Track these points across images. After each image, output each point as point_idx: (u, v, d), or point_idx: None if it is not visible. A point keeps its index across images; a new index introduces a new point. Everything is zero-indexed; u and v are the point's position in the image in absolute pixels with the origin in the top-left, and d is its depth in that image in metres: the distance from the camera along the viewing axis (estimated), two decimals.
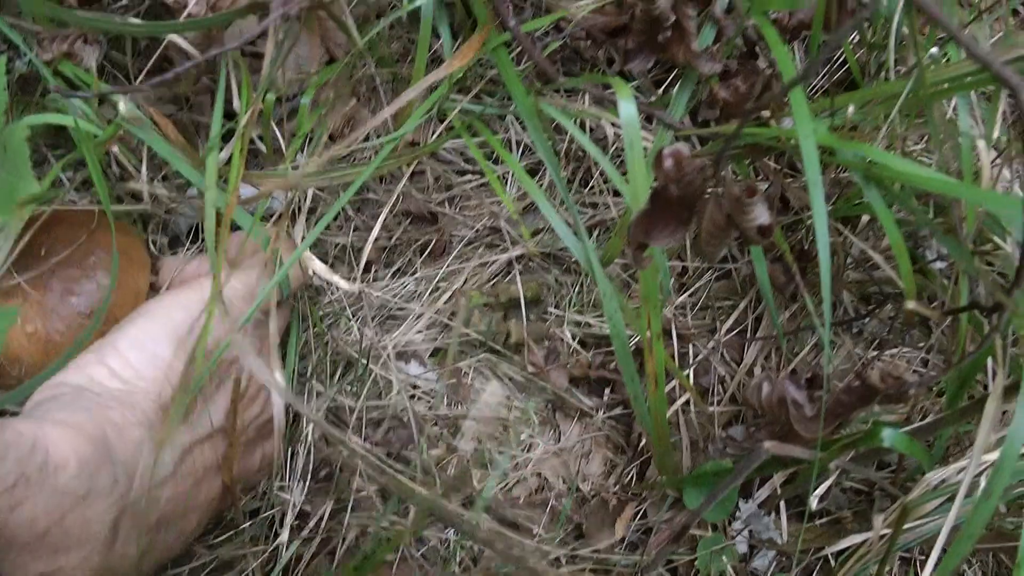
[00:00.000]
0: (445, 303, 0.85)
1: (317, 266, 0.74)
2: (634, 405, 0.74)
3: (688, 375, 0.85)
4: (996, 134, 0.73)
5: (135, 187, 0.76)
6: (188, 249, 0.81)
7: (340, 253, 0.85)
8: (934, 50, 0.73)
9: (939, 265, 0.82)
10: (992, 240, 0.76)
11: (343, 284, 0.73)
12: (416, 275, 0.86)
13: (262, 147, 0.80)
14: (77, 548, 0.54)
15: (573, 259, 0.82)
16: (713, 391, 0.85)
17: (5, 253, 0.65)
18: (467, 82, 0.84)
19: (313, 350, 0.82)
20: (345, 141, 0.71)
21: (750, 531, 0.81)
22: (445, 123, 0.82)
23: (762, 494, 0.81)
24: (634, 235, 0.54)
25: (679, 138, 0.81)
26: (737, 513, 0.81)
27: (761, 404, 0.71)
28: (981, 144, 0.69)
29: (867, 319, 0.86)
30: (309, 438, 0.78)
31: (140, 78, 0.79)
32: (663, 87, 0.87)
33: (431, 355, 0.85)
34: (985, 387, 0.80)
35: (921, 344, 0.88)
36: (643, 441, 0.83)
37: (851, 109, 0.70)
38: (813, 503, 0.74)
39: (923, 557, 0.81)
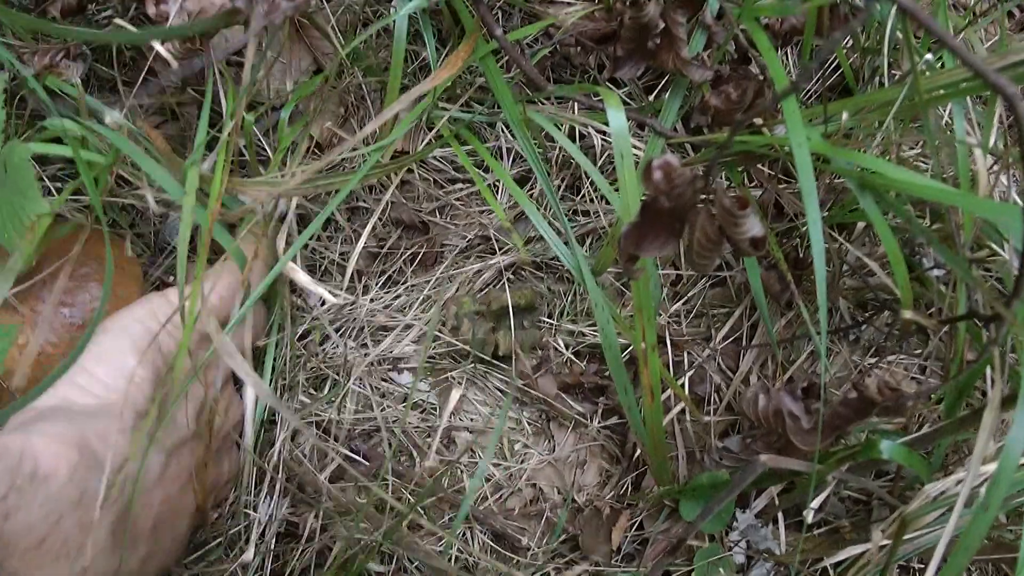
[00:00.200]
0: (436, 313, 0.84)
1: (300, 277, 0.72)
2: (628, 416, 0.73)
3: (683, 384, 0.84)
4: (993, 140, 0.72)
5: (127, 199, 0.75)
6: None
7: (331, 264, 0.84)
8: (928, 56, 0.72)
9: (936, 273, 0.81)
10: (990, 247, 0.75)
11: (327, 296, 0.71)
12: (407, 285, 0.85)
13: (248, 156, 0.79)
14: (78, 554, 0.54)
15: (566, 267, 0.81)
16: (709, 400, 0.84)
17: (15, 274, 0.65)
18: (456, 90, 0.83)
19: (298, 362, 0.81)
20: (330, 154, 0.70)
21: (747, 542, 0.80)
22: (434, 131, 0.81)
23: (759, 504, 0.80)
24: (625, 247, 0.53)
25: (671, 145, 0.80)
26: (734, 523, 0.80)
27: (758, 416, 0.70)
28: (977, 151, 0.68)
29: (864, 327, 0.85)
30: (282, 451, 0.77)
31: (134, 91, 0.78)
32: (655, 93, 0.86)
33: (424, 366, 0.84)
34: (984, 394, 0.79)
35: (918, 351, 0.87)
36: (638, 451, 0.82)
37: (845, 116, 0.69)
38: (810, 516, 0.73)
39: (922, 566, 0.80)
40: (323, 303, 0.81)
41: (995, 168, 0.73)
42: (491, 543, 0.80)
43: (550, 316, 0.86)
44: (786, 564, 0.78)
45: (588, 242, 0.86)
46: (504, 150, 0.85)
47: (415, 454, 0.81)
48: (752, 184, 0.84)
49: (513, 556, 0.80)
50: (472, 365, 0.84)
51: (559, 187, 0.86)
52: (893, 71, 0.83)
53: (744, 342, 0.86)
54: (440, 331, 0.83)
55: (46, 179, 0.78)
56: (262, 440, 0.78)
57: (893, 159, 0.76)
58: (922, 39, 0.79)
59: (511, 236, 0.83)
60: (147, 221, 0.82)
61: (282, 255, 0.74)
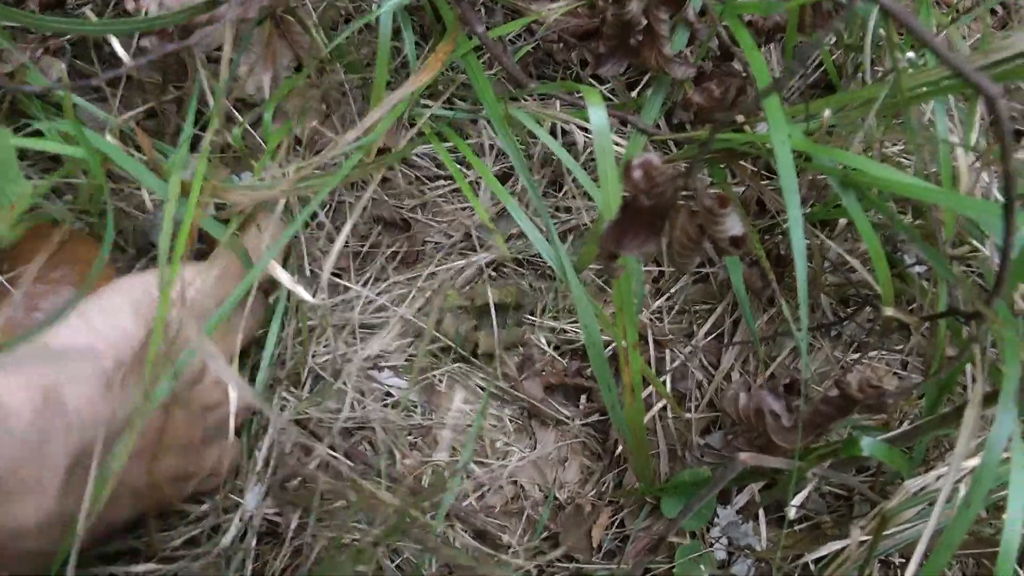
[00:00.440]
0: (418, 311, 0.83)
1: (280, 275, 0.72)
2: (611, 414, 0.73)
3: (665, 381, 0.84)
4: (975, 137, 0.73)
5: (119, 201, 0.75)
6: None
7: (313, 263, 0.83)
8: (911, 54, 0.72)
9: (918, 269, 0.81)
10: (971, 243, 0.75)
11: (306, 296, 0.71)
12: (389, 282, 0.84)
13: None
14: (31, 494, 0.54)
15: (548, 264, 0.80)
16: (691, 396, 0.84)
17: None
18: (439, 86, 0.82)
19: (283, 360, 0.80)
20: (314, 159, 0.70)
21: (728, 538, 0.80)
22: (415, 128, 0.81)
23: (740, 500, 0.80)
24: (605, 245, 0.53)
25: (654, 142, 0.80)
26: (715, 519, 0.80)
27: (738, 414, 0.70)
28: (959, 148, 0.69)
29: (846, 323, 0.86)
30: (267, 447, 0.76)
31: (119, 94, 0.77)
32: (638, 88, 0.85)
33: (405, 363, 0.83)
34: (965, 388, 0.79)
35: (900, 347, 0.87)
36: (620, 448, 0.82)
37: (827, 113, 0.69)
38: (791, 512, 0.73)
39: (903, 560, 0.81)
40: (313, 298, 0.81)
41: (977, 165, 0.73)
42: (473, 541, 0.80)
43: (532, 313, 0.85)
44: (767, 560, 0.79)
45: (571, 238, 0.86)
46: (487, 146, 0.85)
47: (396, 453, 0.81)
48: (735, 181, 0.83)
49: (495, 554, 0.79)
50: (456, 364, 0.83)
51: (542, 183, 0.85)
52: (876, 68, 0.83)
53: (726, 339, 0.86)
54: (422, 328, 0.82)
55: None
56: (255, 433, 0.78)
57: (876, 156, 0.76)
58: (904, 37, 0.79)
59: (492, 234, 0.83)
60: (131, 219, 0.81)
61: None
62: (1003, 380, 0.58)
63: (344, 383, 0.80)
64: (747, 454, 0.63)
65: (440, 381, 0.83)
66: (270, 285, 0.76)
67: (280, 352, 0.80)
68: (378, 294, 0.84)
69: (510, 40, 0.83)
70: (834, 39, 0.85)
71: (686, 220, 0.53)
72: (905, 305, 0.85)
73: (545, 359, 0.85)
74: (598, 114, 0.69)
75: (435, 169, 0.86)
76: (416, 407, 0.82)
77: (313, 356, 0.81)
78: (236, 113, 0.79)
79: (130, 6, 0.78)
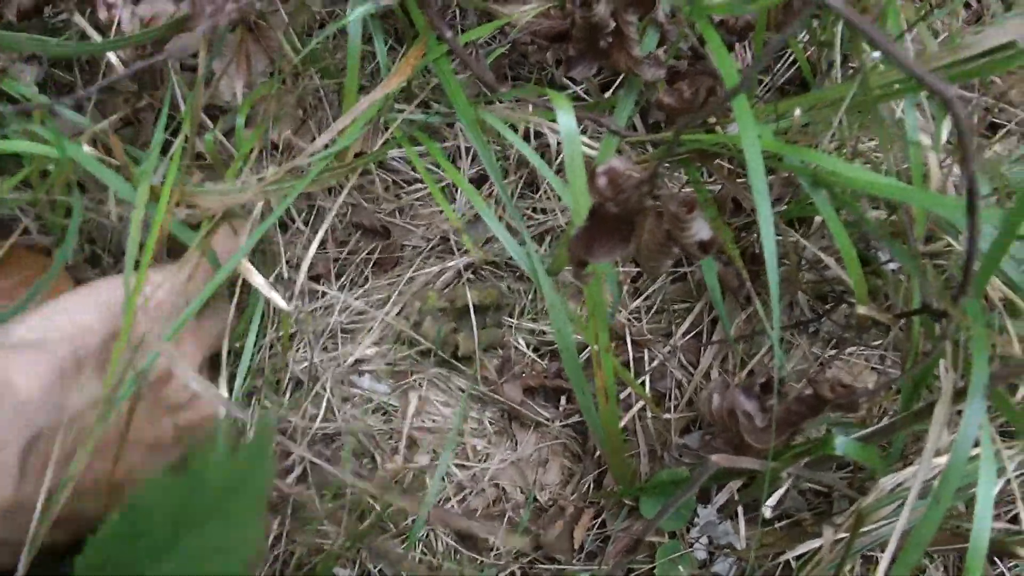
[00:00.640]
0: (397, 315, 0.83)
1: (254, 279, 0.72)
2: (586, 417, 0.73)
3: (644, 381, 0.84)
4: (945, 135, 0.73)
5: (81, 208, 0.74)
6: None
7: (290, 269, 0.83)
8: (877, 52, 0.72)
9: (892, 266, 0.82)
10: (945, 239, 0.75)
11: (280, 302, 0.71)
12: (367, 287, 0.84)
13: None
14: None
15: None
16: (670, 396, 0.85)
17: None
18: (413, 89, 0.82)
19: (262, 367, 0.80)
20: (285, 164, 0.70)
21: (708, 537, 0.80)
22: (389, 131, 0.81)
23: (720, 499, 0.81)
24: (574, 252, 0.53)
25: (630, 144, 0.80)
26: (696, 519, 0.80)
27: (712, 415, 0.70)
28: (929, 147, 0.69)
29: (823, 320, 0.86)
30: None
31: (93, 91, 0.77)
32: (612, 89, 0.85)
33: (385, 367, 0.83)
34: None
35: (877, 342, 0.88)
36: (599, 450, 0.82)
37: (797, 113, 0.69)
38: (767, 512, 0.73)
39: (883, 554, 0.81)
40: (289, 304, 0.81)
41: (948, 161, 0.73)
42: (455, 544, 0.80)
43: (510, 315, 0.85)
44: (748, 559, 0.79)
45: (547, 240, 0.86)
46: (463, 149, 0.85)
47: (377, 457, 0.81)
48: (711, 179, 0.84)
49: (477, 556, 0.80)
50: (435, 369, 0.84)
51: (518, 185, 0.86)
52: (850, 64, 0.84)
53: (705, 338, 0.86)
54: (401, 332, 0.82)
55: None
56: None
57: (848, 153, 0.76)
58: None
59: (463, 237, 0.83)
60: (105, 229, 0.81)
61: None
62: (971, 376, 0.58)
63: (323, 388, 0.80)
64: (719, 456, 0.63)
65: (420, 385, 0.84)
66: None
67: (260, 358, 0.80)
68: (357, 298, 0.84)
69: (485, 42, 0.83)
70: (808, 36, 0.86)
71: (654, 225, 0.53)
72: (883, 300, 0.85)
73: (524, 361, 0.85)
74: (566, 119, 0.70)
75: (412, 173, 0.86)
76: (396, 411, 0.83)
77: (293, 362, 0.81)
78: (208, 120, 0.78)
79: (102, 15, 0.77)
